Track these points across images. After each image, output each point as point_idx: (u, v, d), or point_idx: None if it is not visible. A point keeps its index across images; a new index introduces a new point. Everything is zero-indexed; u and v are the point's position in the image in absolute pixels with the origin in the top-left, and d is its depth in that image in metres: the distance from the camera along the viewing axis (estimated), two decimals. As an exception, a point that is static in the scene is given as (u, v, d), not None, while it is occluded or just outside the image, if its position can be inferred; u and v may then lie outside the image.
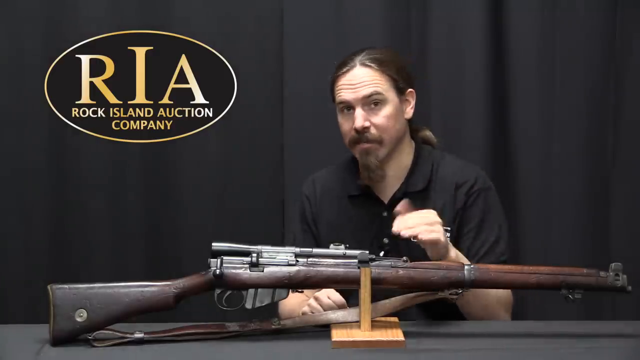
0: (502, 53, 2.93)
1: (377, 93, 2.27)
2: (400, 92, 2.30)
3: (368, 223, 2.32)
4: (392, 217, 2.12)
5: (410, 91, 2.33)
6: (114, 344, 1.88)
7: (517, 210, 2.90)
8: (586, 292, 1.93)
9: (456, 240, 2.26)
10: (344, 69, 2.29)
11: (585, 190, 2.96)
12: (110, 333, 1.90)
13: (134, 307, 1.92)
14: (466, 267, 1.95)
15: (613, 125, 2.94)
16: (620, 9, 2.90)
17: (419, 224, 2.05)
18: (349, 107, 2.28)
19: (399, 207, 2.11)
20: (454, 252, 2.12)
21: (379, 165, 2.29)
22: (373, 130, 2.27)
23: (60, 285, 1.91)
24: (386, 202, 2.32)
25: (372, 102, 2.27)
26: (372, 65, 2.27)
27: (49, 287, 1.91)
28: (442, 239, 2.06)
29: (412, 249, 2.17)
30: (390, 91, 2.28)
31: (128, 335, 1.90)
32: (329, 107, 2.90)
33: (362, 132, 2.26)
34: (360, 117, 2.26)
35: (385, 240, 2.29)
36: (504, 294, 2.23)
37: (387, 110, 2.27)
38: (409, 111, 2.34)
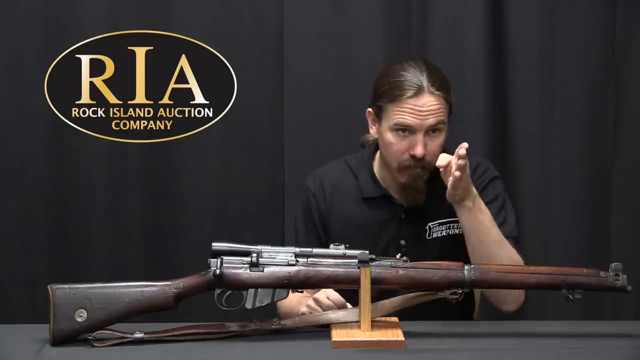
0: (502, 53, 2.94)
1: (442, 122, 2.21)
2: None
3: (385, 224, 2.30)
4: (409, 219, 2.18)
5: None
6: (114, 344, 1.88)
7: (516, 210, 2.88)
8: (586, 292, 1.93)
9: None
10: (410, 93, 2.18)
11: (585, 189, 2.96)
12: (110, 333, 1.90)
13: (134, 307, 1.92)
14: (466, 267, 1.95)
15: (613, 125, 2.94)
16: (620, 9, 2.91)
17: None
18: (406, 129, 2.20)
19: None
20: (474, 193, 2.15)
21: (423, 187, 2.26)
22: (427, 158, 2.20)
23: (60, 285, 1.91)
24: (405, 205, 2.31)
25: (433, 129, 2.20)
26: (439, 93, 2.19)
27: (49, 287, 1.91)
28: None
29: (430, 249, 2.18)
30: (447, 117, 2.24)
31: (128, 335, 1.90)
32: (329, 107, 2.92)
33: (420, 160, 2.21)
34: (421, 146, 2.18)
35: (403, 242, 2.28)
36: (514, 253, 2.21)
37: (442, 137, 2.23)
38: None
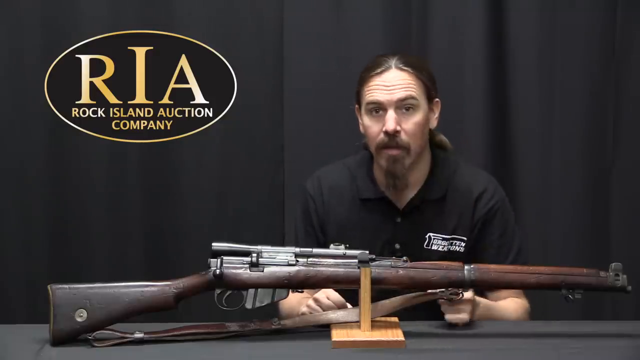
0: (502, 53, 2.94)
1: (412, 97, 2.21)
2: (429, 100, 2.27)
3: (380, 228, 2.30)
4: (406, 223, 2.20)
5: (437, 101, 2.29)
6: (114, 344, 1.88)
7: (516, 210, 2.87)
8: (586, 292, 1.94)
9: (475, 251, 2.27)
10: (378, 70, 2.22)
11: (585, 189, 2.96)
12: (110, 333, 1.90)
13: (134, 307, 1.92)
14: (466, 267, 1.95)
15: (613, 125, 2.94)
16: (620, 9, 2.91)
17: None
18: (379, 109, 2.22)
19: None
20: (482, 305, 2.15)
21: (405, 174, 2.26)
22: (403, 136, 2.21)
23: (60, 285, 1.92)
24: (401, 208, 2.31)
25: (405, 106, 2.21)
26: (408, 69, 2.22)
27: (49, 287, 1.91)
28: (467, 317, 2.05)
29: (426, 258, 2.18)
30: (422, 98, 2.24)
31: (128, 335, 1.90)
32: (329, 107, 2.92)
33: (392, 136, 2.21)
34: (392, 120, 2.20)
35: (397, 246, 2.28)
36: (521, 311, 2.25)
37: (418, 116, 2.22)
38: (434, 121, 2.30)
